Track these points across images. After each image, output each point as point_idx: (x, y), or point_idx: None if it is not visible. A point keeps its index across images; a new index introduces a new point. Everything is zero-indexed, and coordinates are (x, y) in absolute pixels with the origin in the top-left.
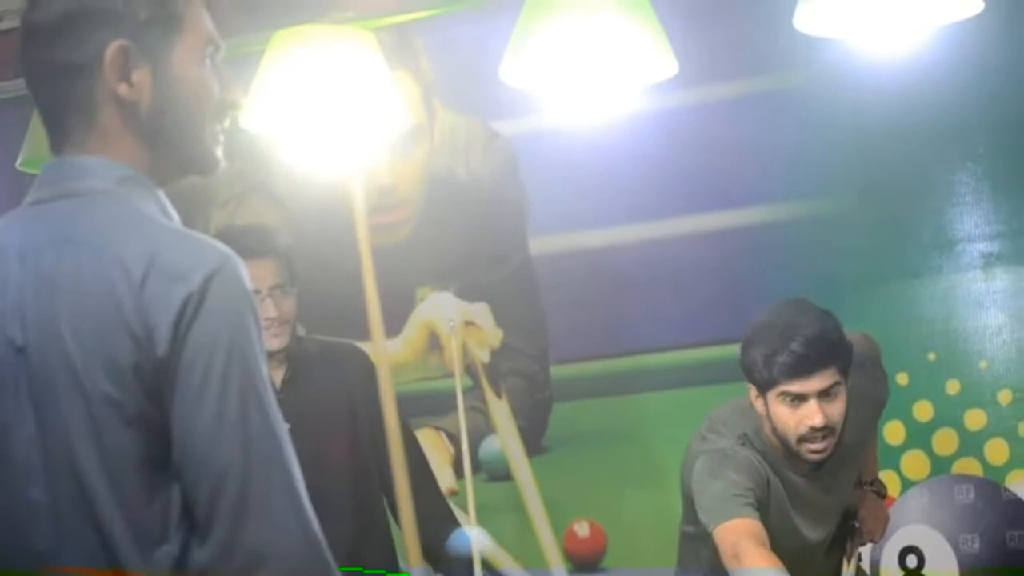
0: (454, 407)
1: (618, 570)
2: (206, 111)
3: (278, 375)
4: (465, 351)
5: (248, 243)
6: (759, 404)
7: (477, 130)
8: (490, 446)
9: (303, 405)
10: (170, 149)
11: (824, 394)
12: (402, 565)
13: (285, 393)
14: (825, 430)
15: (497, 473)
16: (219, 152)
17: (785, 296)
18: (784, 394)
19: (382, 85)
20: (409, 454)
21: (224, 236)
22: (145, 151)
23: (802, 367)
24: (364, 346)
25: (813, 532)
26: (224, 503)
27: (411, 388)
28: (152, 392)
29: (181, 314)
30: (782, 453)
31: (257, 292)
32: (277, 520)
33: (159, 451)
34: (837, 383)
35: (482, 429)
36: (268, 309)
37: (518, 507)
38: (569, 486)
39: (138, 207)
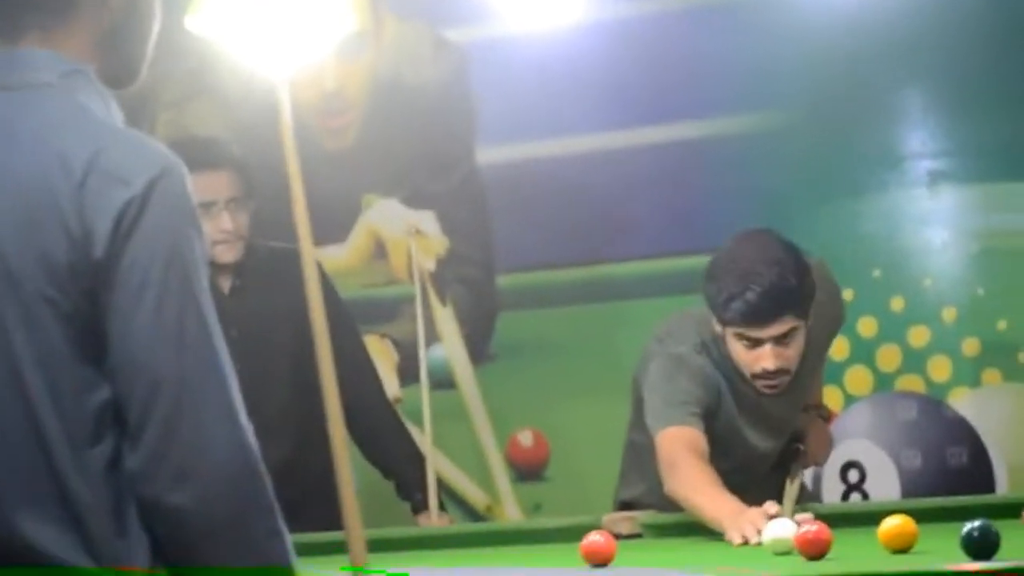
0: (399, 314)
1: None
2: (154, 26)
3: (225, 283)
4: (411, 258)
5: (205, 154)
6: (717, 328)
7: (425, 36)
8: (435, 354)
9: (250, 314)
10: (117, 57)
11: (780, 339)
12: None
13: (232, 301)
14: (779, 372)
15: (442, 381)
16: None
17: (744, 221)
18: (740, 335)
19: None
20: (358, 362)
21: (180, 146)
22: (94, 55)
23: (757, 316)
24: (317, 254)
25: (761, 442)
26: (157, 410)
27: (355, 295)
28: (88, 292)
29: (121, 217)
30: (737, 367)
31: (213, 204)
32: (210, 429)
33: (94, 350)
34: (794, 328)
35: (428, 337)
36: (224, 221)
37: (462, 415)
38: (514, 395)
39: (82, 103)
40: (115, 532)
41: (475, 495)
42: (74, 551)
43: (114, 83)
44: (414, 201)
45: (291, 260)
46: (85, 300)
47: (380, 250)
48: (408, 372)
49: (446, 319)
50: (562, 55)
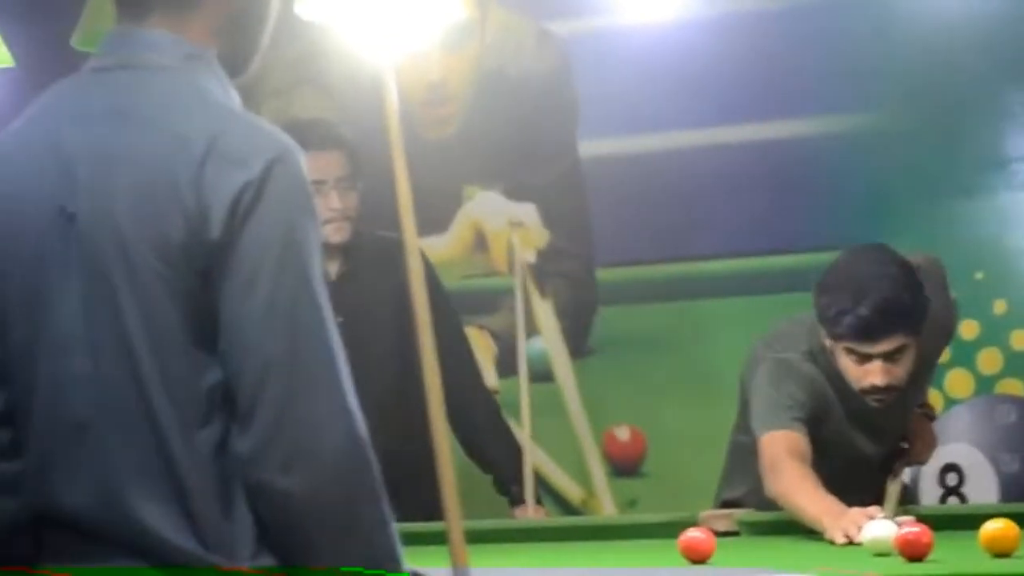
0: (498, 306)
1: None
2: (272, 16)
3: (333, 268)
4: (512, 250)
5: (316, 134)
6: (827, 341)
7: (529, 29)
8: (534, 346)
9: (356, 300)
10: (236, 45)
11: (890, 355)
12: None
13: (339, 286)
14: (888, 388)
15: (540, 374)
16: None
17: (847, 221)
18: (849, 350)
19: None
20: (459, 354)
21: (292, 127)
22: (214, 41)
23: (869, 332)
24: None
25: (868, 447)
26: (268, 395)
27: (455, 286)
28: (201, 273)
29: (238, 200)
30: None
31: (323, 183)
32: (320, 416)
33: (205, 332)
34: (905, 345)
35: (527, 329)
36: (333, 200)
37: (560, 408)
38: (612, 390)
39: (203, 86)
40: (221, 515)
41: (571, 489)
42: (182, 533)
43: (228, 71)
44: (515, 193)
45: (397, 250)
46: (199, 281)
47: (481, 242)
48: (506, 364)
49: (545, 312)
50: (663, 50)
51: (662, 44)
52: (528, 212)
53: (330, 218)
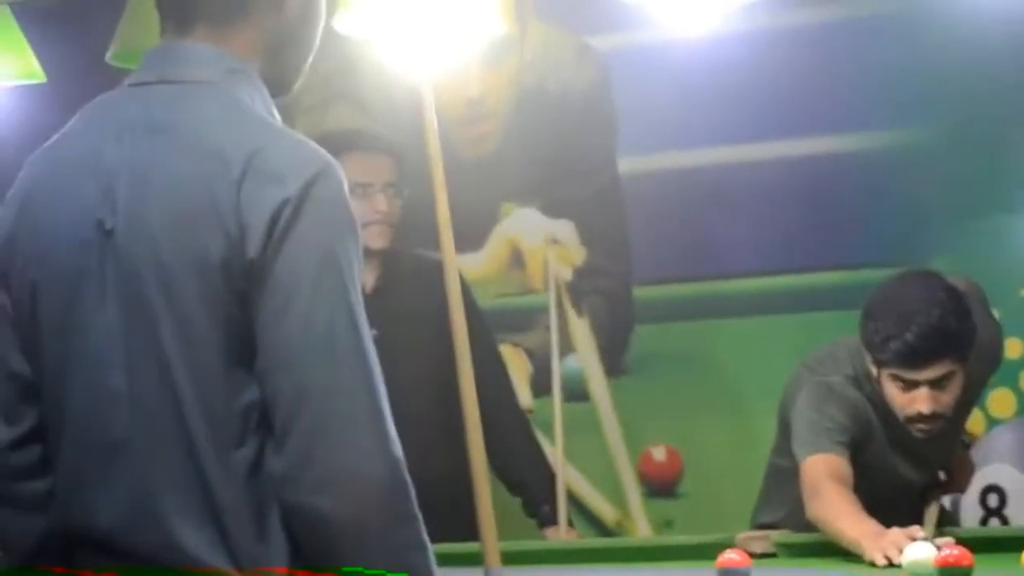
0: (534, 324)
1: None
2: (317, 37)
3: (370, 279)
4: (547, 268)
5: (367, 138)
6: (872, 369)
7: (569, 44)
8: (569, 365)
9: (391, 316)
10: (281, 63)
11: (937, 382)
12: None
13: (375, 299)
14: (934, 416)
15: (575, 392)
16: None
17: (889, 237)
18: (895, 377)
19: None
20: (493, 372)
21: (341, 132)
22: (259, 57)
23: (915, 359)
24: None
25: (912, 473)
26: (304, 415)
27: (491, 304)
28: (239, 291)
29: (276, 217)
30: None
31: (371, 185)
32: (357, 438)
33: (242, 351)
34: (952, 372)
35: (562, 348)
36: (380, 203)
37: (595, 427)
38: (648, 409)
39: (243, 101)
40: (255, 536)
41: (605, 510)
42: (216, 553)
43: (272, 89)
44: (552, 210)
45: (433, 269)
46: (236, 300)
47: (517, 259)
48: (541, 383)
49: (581, 330)
50: (704, 66)
51: (701, 59)
52: (565, 229)
53: (374, 220)
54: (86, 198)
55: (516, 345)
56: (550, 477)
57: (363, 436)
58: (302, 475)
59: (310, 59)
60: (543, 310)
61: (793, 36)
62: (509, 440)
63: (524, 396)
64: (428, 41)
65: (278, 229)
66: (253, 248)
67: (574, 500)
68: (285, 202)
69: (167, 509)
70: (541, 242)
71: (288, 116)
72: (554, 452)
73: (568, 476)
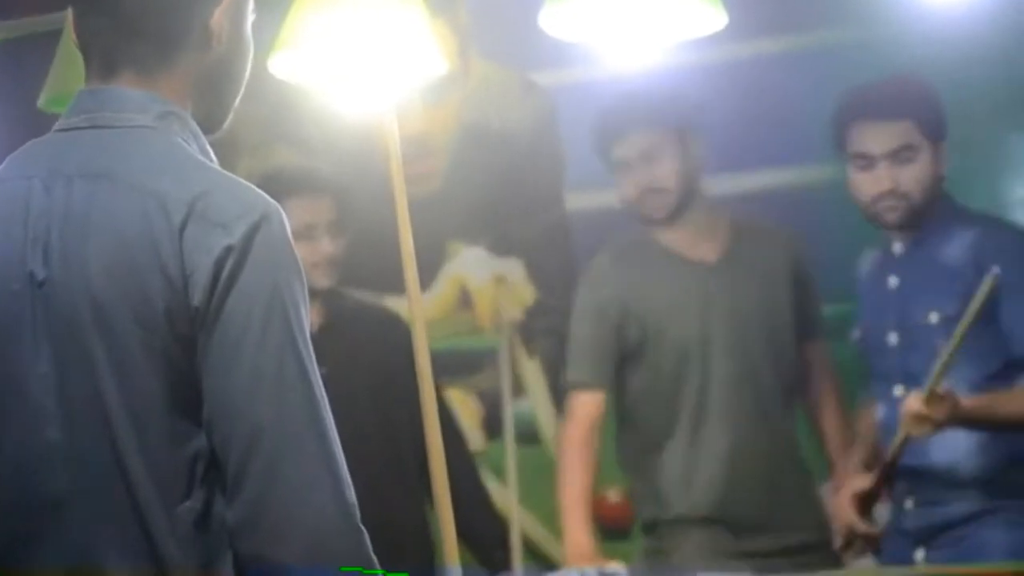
0: (483, 366)
1: None
2: (247, 71)
3: (317, 319)
4: (496, 309)
5: (309, 178)
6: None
7: (513, 80)
8: (521, 408)
9: (339, 354)
10: (211, 101)
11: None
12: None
13: (323, 336)
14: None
15: (527, 436)
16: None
17: None
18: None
19: (416, 30)
20: (447, 432)
21: (283, 172)
22: (189, 97)
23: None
24: (396, 301)
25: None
26: (256, 464)
27: (439, 346)
28: (182, 338)
29: (221, 264)
30: None
31: (314, 227)
32: (310, 485)
33: (187, 400)
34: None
35: (513, 389)
36: (325, 245)
37: (547, 471)
38: (602, 451)
39: (180, 145)
40: None
41: (560, 554)
42: None
43: (203, 127)
44: (500, 248)
45: (379, 317)
46: (180, 347)
47: (465, 299)
48: (493, 426)
49: (532, 372)
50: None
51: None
52: (514, 268)
53: (318, 261)
54: (16, 249)
55: (467, 388)
56: (502, 524)
57: (316, 480)
58: (257, 524)
59: (240, 94)
60: (493, 352)
61: (738, 68)
62: (457, 488)
63: (475, 440)
64: (369, 82)
65: (223, 276)
66: (197, 296)
67: (527, 544)
68: (229, 249)
69: (111, 568)
70: (490, 281)
71: (231, 156)
72: (507, 495)
73: (522, 520)
